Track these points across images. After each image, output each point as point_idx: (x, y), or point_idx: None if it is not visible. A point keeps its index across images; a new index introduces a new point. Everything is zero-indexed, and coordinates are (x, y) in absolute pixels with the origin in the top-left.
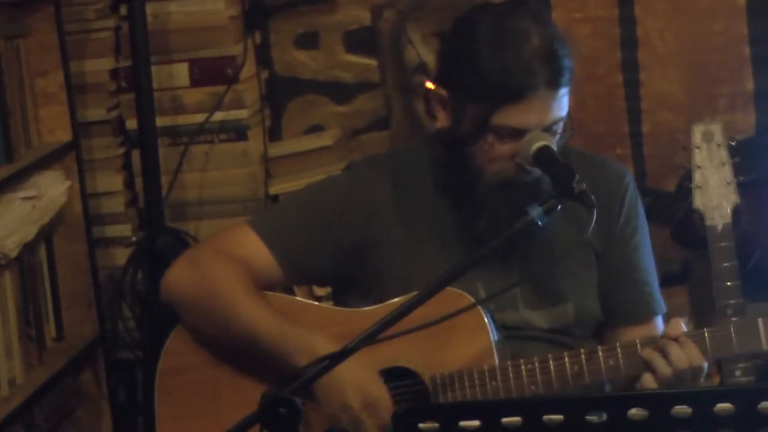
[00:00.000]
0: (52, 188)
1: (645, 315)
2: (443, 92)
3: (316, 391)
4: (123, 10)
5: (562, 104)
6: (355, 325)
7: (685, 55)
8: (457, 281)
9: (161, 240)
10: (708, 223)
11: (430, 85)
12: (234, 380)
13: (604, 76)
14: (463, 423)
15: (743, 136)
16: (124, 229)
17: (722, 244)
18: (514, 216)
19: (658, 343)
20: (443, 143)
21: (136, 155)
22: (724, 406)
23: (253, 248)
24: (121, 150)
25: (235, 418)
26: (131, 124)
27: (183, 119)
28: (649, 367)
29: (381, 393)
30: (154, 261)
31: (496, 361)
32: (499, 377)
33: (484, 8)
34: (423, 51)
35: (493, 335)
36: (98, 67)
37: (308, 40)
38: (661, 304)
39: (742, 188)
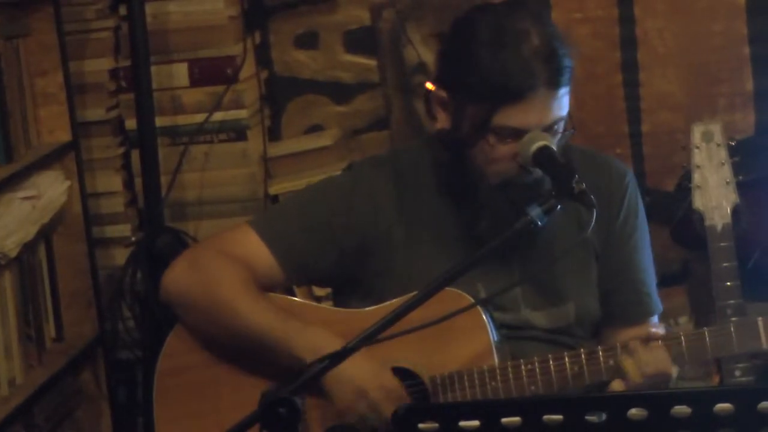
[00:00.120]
0: (52, 188)
1: (641, 315)
2: (443, 93)
3: (325, 385)
4: (122, 10)
5: (562, 104)
6: (354, 326)
7: (684, 55)
8: (457, 282)
9: (161, 240)
10: (707, 223)
11: (429, 85)
12: (233, 380)
13: (604, 76)
14: (462, 423)
15: (743, 135)
16: (123, 229)
17: (722, 244)
18: (516, 217)
19: (628, 348)
20: (444, 144)
21: (135, 155)
22: (724, 406)
23: (254, 248)
24: (121, 150)
25: (235, 418)
26: (131, 124)
27: (182, 119)
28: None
29: (394, 382)
30: (153, 261)
31: (496, 361)
32: (499, 377)
33: (483, 8)
34: (423, 51)
35: (493, 335)
36: (98, 67)
37: (308, 40)
38: (658, 304)
39: (742, 188)
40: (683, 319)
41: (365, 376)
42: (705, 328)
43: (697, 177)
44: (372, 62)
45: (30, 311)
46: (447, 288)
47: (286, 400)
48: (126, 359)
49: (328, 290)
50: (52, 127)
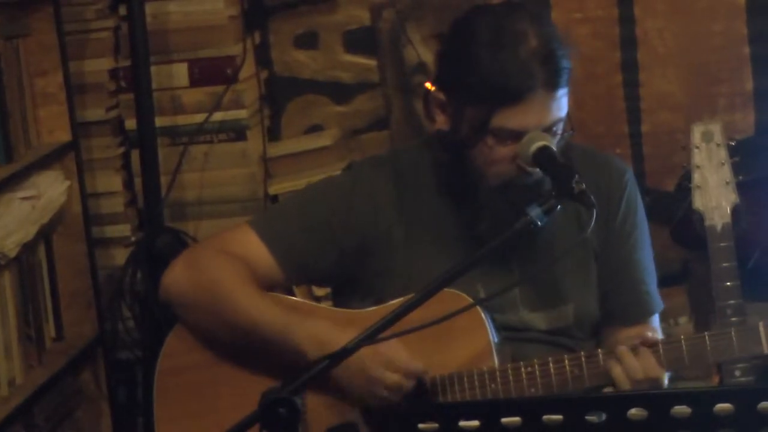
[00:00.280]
0: (52, 188)
1: (642, 314)
2: (441, 95)
3: (337, 381)
4: (122, 10)
5: (561, 105)
6: (354, 326)
7: (684, 55)
8: (457, 282)
9: (161, 240)
10: (707, 223)
11: (429, 85)
12: (233, 380)
13: (604, 76)
14: (462, 423)
15: (743, 135)
16: (123, 229)
17: (722, 244)
18: (516, 217)
19: (615, 353)
20: (443, 145)
21: (135, 155)
22: (723, 406)
23: (253, 248)
24: (121, 150)
25: (235, 418)
26: (130, 124)
27: (182, 119)
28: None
29: (392, 348)
30: (153, 261)
31: (496, 362)
32: (498, 379)
33: (481, 10)
34: (422, 51)
35: (493, 336)
36: (97, 67)
37: (308, 40)
38: (658, 302)
39: (742, 188)
40: (683, 319)
41: (366, 361)
42: (706, 332)
43: (697, 177)
44: (372, 62)
45: (30, 311)
46: (446, 289)
47: (286, 400)
48: (126, 359)
49: (328, 290)
50: (52, 127)
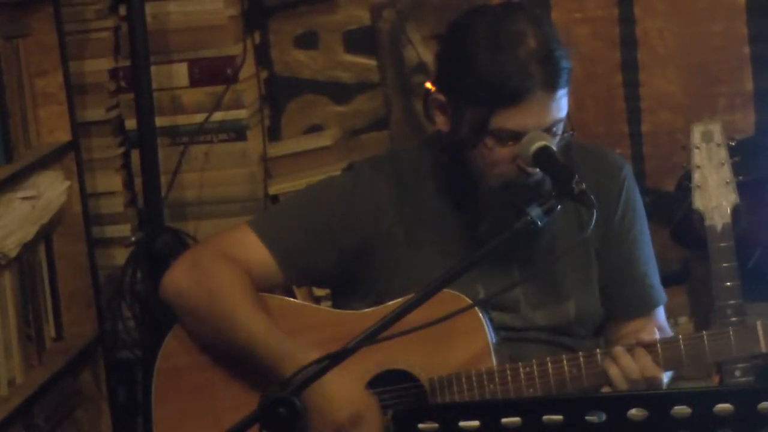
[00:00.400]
0: (52, 188)
1: (645, 308)
2: (441, 96)
3: (307, 405)
4: (122, 10)
5: (560, 105)
6: (352, 327)
7: (684, 55)
8: (457, 282)
9: (161, 240)
10: (707, 223)
11: (429, 85)
12: (232, 381)
13: (604, 76)
14: (462, 423)
15: (743, 135)
16: (123, 229)
17: (722, 244)
18: (516, 218)
19: (611, 353)
20: (443, 146)
21: (135, 155)
22: (723, 407)
23: (253, 249)
24: (121, 150)
25: (234, 419)
26: (130, 124)
27: (182, 119)
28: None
29: (370, 410)
30: (153, 261)
31: (494, 362)
32: (497, 380)
33: (480, 11)
34: (422, 51)
35: (491, 337)
36: (97, 67)
37: (308, 40)
38: (662, 295)
39: (742, 188)
40: (683, 319)
41: (340, 407)
42: (704, 331)
43: (697, 177)
44: (372, 62)
45: (30, 311)
46: (446, 290)
47: (286, 400)
48: (126, 359)
49: (328, 290)
50: (52, 127)
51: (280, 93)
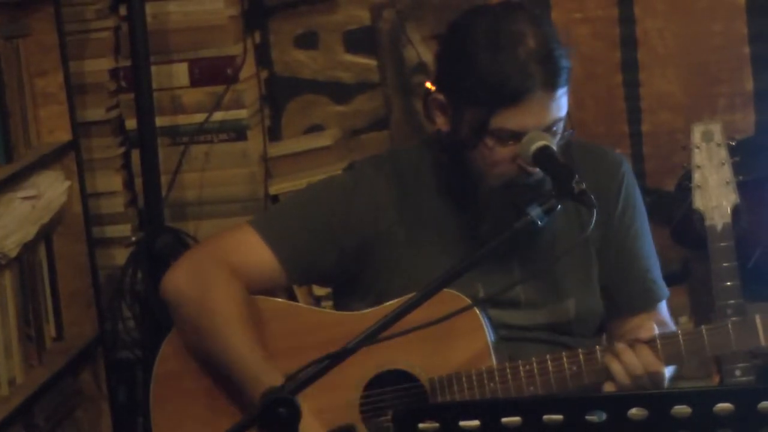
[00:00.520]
0: (52, 188)
1: (648, 303)
2: (441, 96)
3: None
4: (122, 10)
5: (560, 105)
6: (352, 328)
7: (684, 55)
8: (457, 282)
9: (161, 240)
10: (708, 222)
11: (429, 85)
12: (230, 383)
13: (604, 76)
14: (462, 423)
15: (743, 135)
16: (123, 229)
17: (722, 243)
18: (517, 218)
19: (613, 349)
20: (443, 147)
21: (135, 155)
22: (724, 406)
23: (256, 250)
24: (121, 150)
25: (232, 422)
26: (131, 124)
27: (182, 119)
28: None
29: None
30: (153, 261)
31: (494, 362)
32: (497, 379)
33: (479, 11)
34: (423, 51)
35: (490, 336)
36: (98, 67)
37: (308, 40)
38: (664, 289)
39: (742, 188)
40: (683, 319)
41: None
42: (703, 326)
43: (697, 177)
44: (372, 62)
45: (30, 311)
46: (446, 290)
47: (286, 400)
48: (126, 359)
49: (328, 290)
50: (52, 127)
51: (280, 93)
